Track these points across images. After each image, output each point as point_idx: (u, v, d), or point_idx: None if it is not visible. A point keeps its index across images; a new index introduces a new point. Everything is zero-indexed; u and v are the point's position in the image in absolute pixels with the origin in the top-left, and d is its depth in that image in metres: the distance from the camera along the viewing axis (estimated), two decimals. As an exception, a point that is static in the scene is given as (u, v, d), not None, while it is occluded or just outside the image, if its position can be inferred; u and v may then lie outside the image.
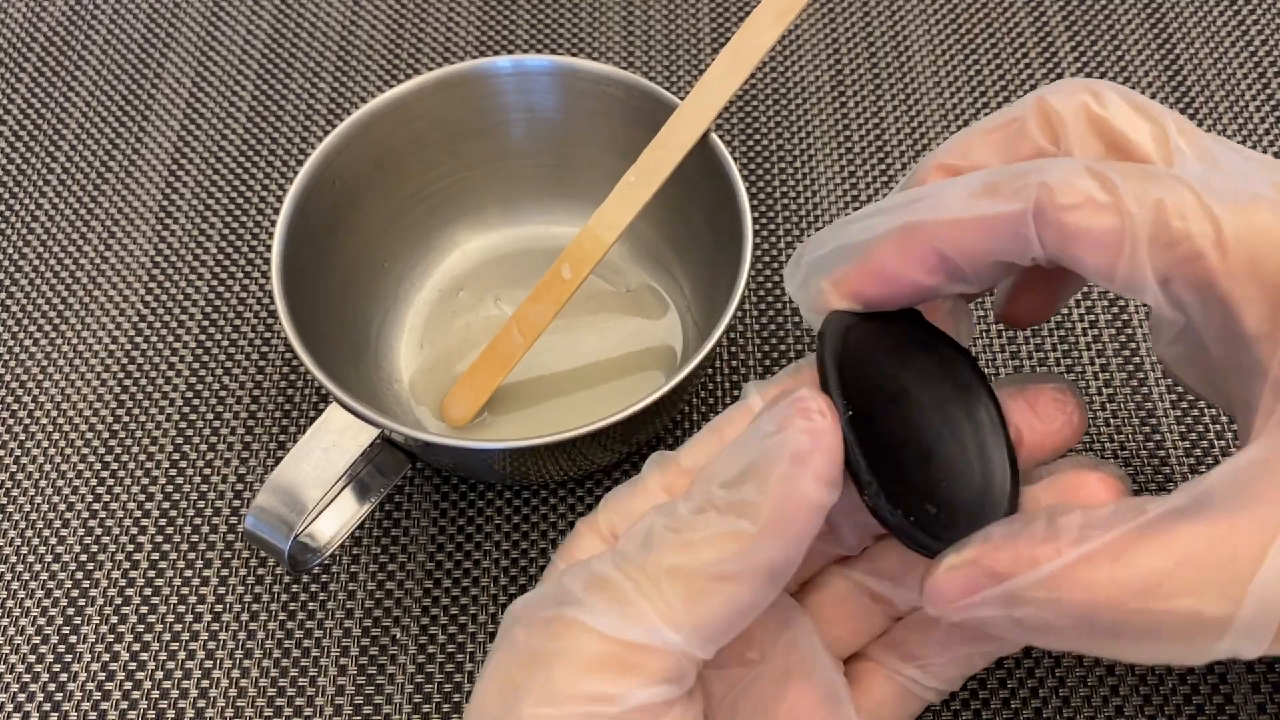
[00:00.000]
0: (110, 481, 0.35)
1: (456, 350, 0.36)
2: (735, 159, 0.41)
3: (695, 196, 0.33)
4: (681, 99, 0.32)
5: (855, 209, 0.40)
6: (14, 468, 0.35)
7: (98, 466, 0.35)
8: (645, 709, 0.20)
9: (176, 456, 0.35)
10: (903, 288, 0.22)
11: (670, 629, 0.20)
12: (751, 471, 0.20)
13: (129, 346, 0.37)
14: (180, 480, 0.35)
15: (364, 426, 0.28)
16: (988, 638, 0.24)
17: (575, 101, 0.35)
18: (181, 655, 0.32)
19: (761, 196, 0.40)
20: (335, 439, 0.28)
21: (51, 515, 0.34)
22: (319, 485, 0.28)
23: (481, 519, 0.34)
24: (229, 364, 0.37)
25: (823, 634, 0.25)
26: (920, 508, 0.21)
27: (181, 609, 0.33)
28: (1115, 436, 0.35)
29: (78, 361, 0.37)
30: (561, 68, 0.34)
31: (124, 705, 0.31)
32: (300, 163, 0.41)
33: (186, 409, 0.36)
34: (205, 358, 0.37)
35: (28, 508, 0.34)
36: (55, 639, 0.32)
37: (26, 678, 0.32)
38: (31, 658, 0.32)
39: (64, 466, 0.35)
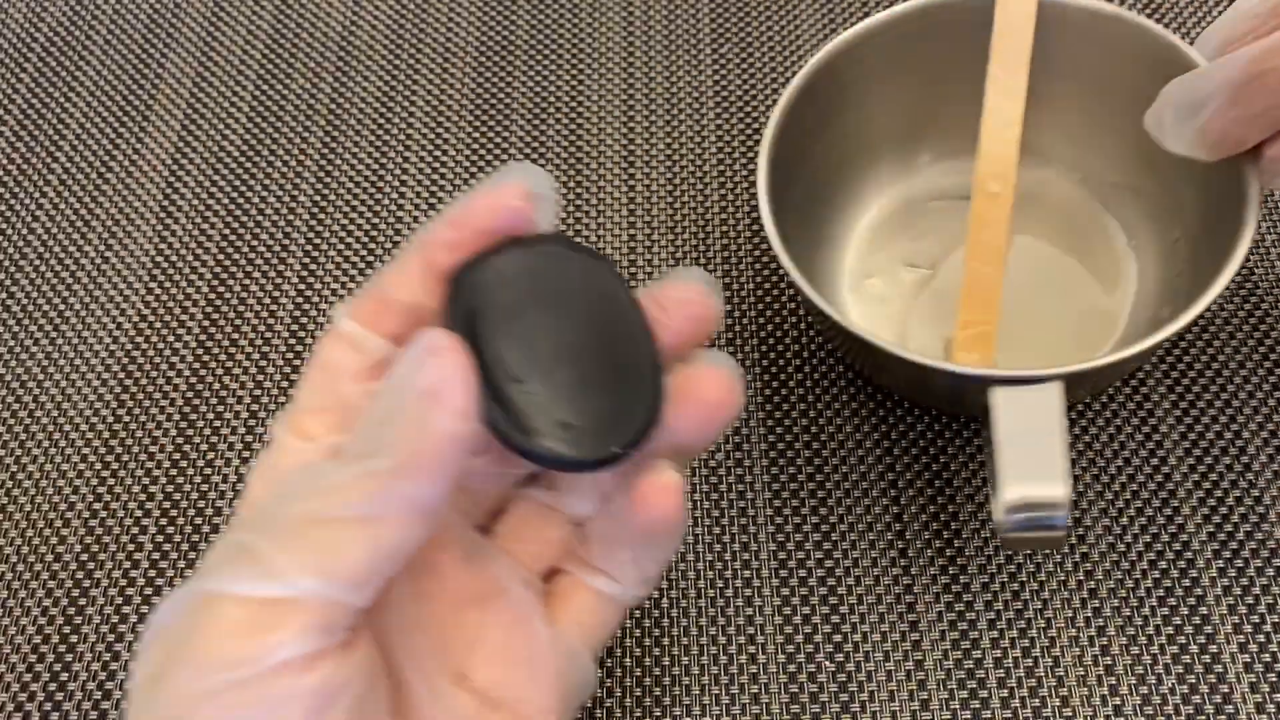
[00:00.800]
0: (110, 481, 0.35)
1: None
2: (737, 158, 0.41)
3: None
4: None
5: (855, 209, 0.40)
6: (14, 468, 0.35)
7: (98, 466, 0.35)
8: (291, 664, 0.19)
9: (177, 456, 0.35)
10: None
11: (310, 578, 0.20)
12: (386, 415, 0.20)
13: (129, 346, 0.37)
14: (180, 480, 0.35)
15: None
16: (639, 542, 0.24)
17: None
18: (182, 655, 0.32)
19: (761, 196, 0.40)
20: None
21: (52, 515, 0.34)
22: (1054, 434, 0.27)
23: (481, 519, 0.34)
24: (229, 364, 0.37)
25: (517, 555, 0.25)
26: (553, 427, 0.22)
27: (182, 609, 0.33)
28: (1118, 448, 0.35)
29: (78, 361, 0.37)
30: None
31: (124, 705, 0.31)
32: (301, 163, 0.41)
33: (186, 409, 0.36)
34: (205, 358, 0.37)
35: (28, 508, 0.34)
36: (55, 639, 0.32)
37: (27, 677, 0.32)
38: (32, 657, 0.32)
39: (64, 466, 0.35)
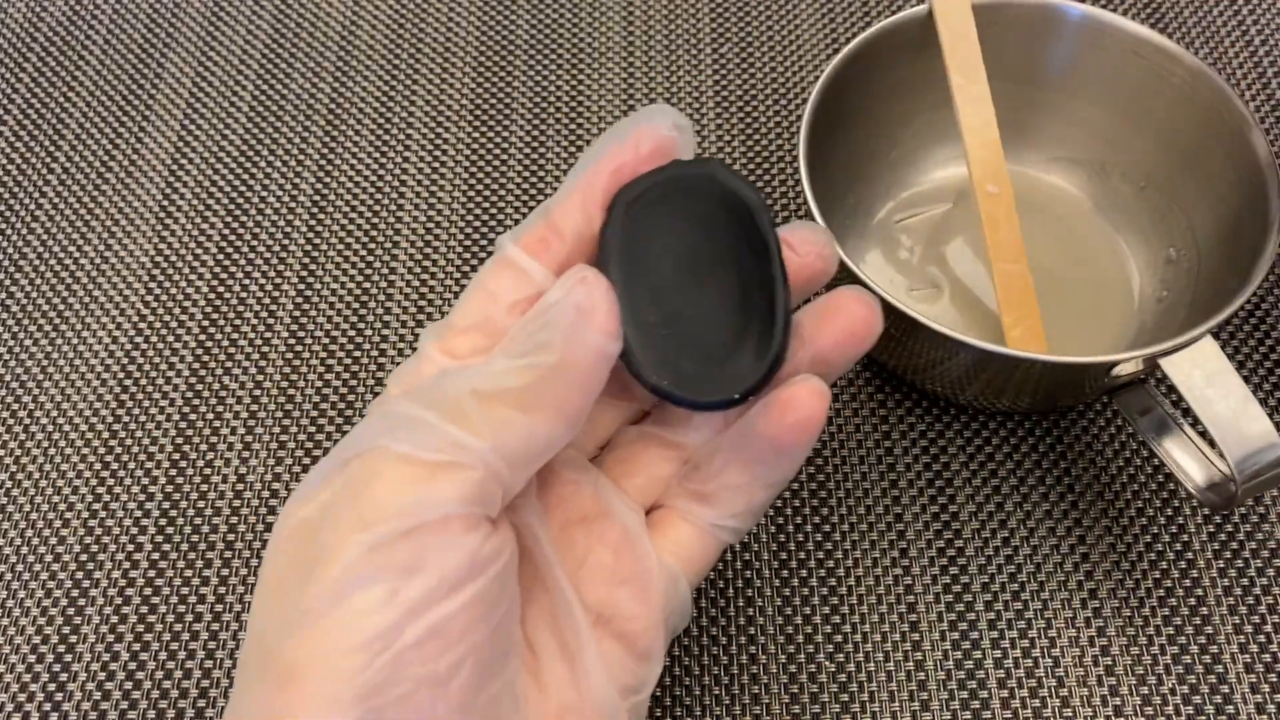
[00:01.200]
0: (110, 481, 0.35)
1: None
2: (738, 158, 0.41)
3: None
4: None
5: (855, 209, 0.40)
6: (14, 468, 0.35)
7: (98, 466, 0.35)
8: (448, 523, 0.20)
9: (176, 456, 0.35)
10: None
11: (475, 438, 0.21)
12: (543, 324, 0.22)
13: (129, 346, 0.37)
14: (180, 480, 0.35)
15: None
16: (761, 463, 0.25)
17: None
18: (181, 655, 0.32)
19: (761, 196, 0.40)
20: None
21: (51, 515, 0.34)
22: (1235, 384, 0.28)
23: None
24: (229, 364, 0.37)
25: (623, 485, 0.26)
26: (681, 367, 0.23)
27: (181, 609, 0.33)
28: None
29: (78, 361, 0.37)
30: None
31: (124, 705, 0.31)
32: (301, 163, 0.41)
33: (186, 409, 0.36)
34: (205, 358, 0.37)
35: (28, 508, 0.34)
36: (55, 639, 0.32)
37: (26, 678, 0.32)
38: (31, 658, 0.32)
39: (64, 466, 0.35)
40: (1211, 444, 0.29)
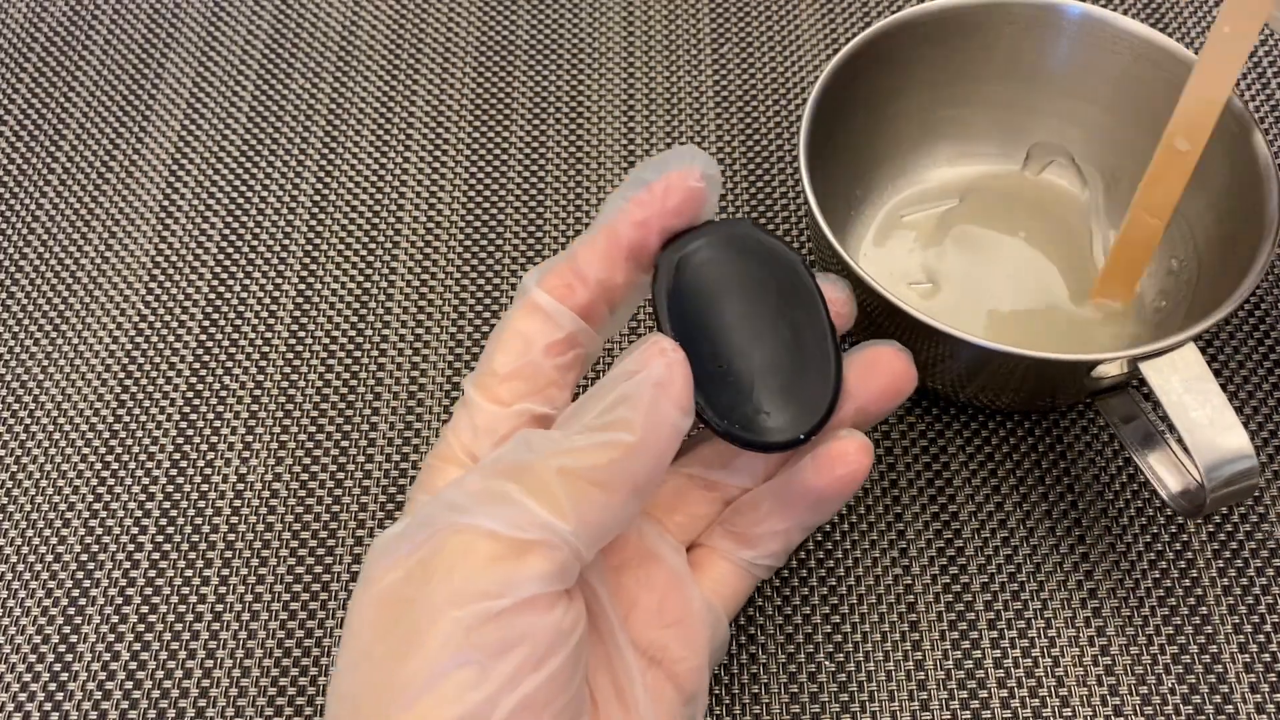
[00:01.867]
0: (110, 481, 0.35)
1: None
2: (738, 158, 0.41)
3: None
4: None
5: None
6: (14, 468, 0.35)
7: (98, 466, 0.35)
8: (535, 602, 0.21)
9: (177, 456, 0.35)
10: None
11: (560, 520, 0.22)
12: (622, 399, 0.23)
13: (129, 346, 0.37)
14: (180, 480, 0.35)
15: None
16: (804, 511, 0.27)
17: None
18: (182, 655, 0.32)
19: (760, 196, 0.40)
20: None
21: (52, 515, 0.34)
22: (1213, 391, 0.28)
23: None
24: (229, 364, 0.37)
25: (665, 524, 0.28)
26: (746, 412, 0.24)
27: (182, 609, 0.33)
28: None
29: (78, 361, 0.37)
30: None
31: (124, 705, 0.31)
32: (301, 163, 0.41)
33: (186, 409, 0.36)
34: (205, 358, 0.37)
35: (28, 508, 0.34)
36: (55, 639, 0.32)
37: (27, 677, 0.32)
38: (32, 657, 0.32)
39: (64, 466, 0.35)
40: (1185, 450, 0.28)
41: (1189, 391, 0.28)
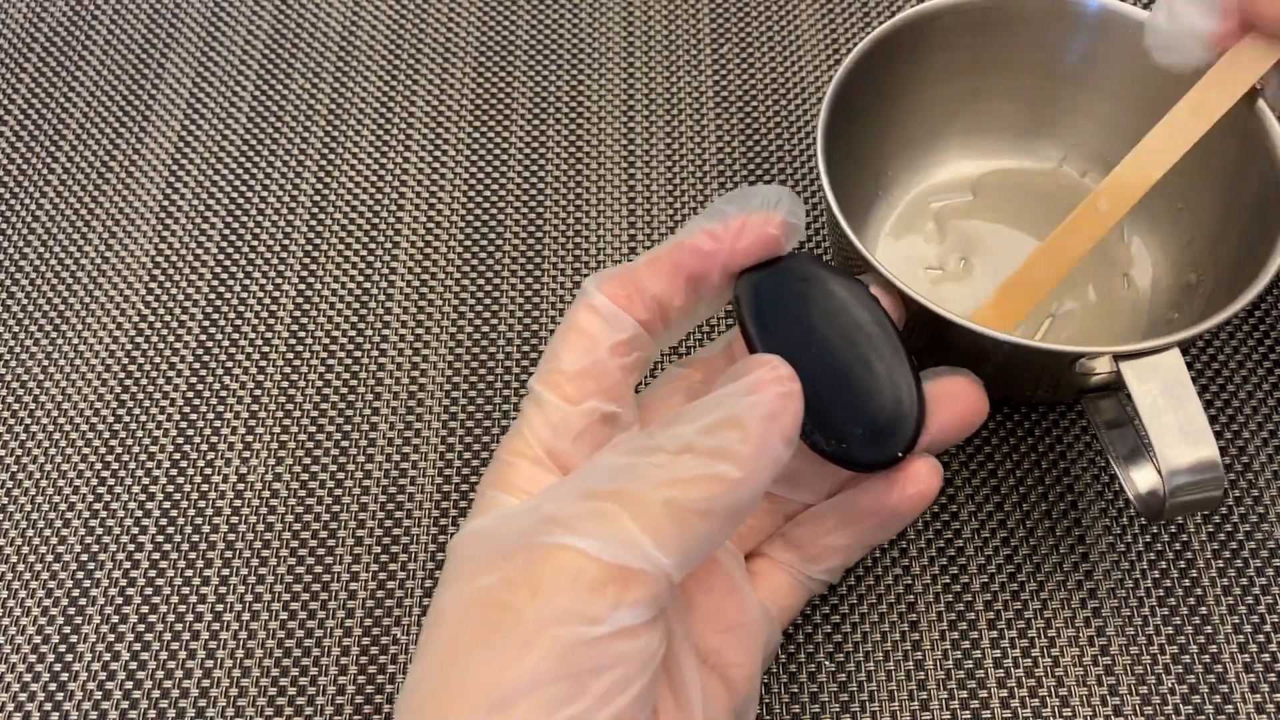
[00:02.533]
0: (110, 481, 0.35)
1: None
2: (737, 158, 0.41)
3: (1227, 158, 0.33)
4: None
5: (855, 209, 0.40)
6: (14, 468, 0.35)
7: (98, 466, 0.35)
8: (628, 630, 0.21)
9: (177, 456, 0.35)
10: None
11: (663, 554, 0.22)
12: (729, 422, 0.23)
13: (129, 346, 0.37)
14: (180, 480, 0.35)
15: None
16: (869, 529, 0.27)
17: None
18: (182, 655, 0.32)
19: (761, 196, 0.40)
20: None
21: (52, 515, 0.34)
22: (1190, 398, 0.28)
23: (481, 519, 0.34)
24: (229, 364, 0.37)
25: None
26: (847, 433, 0.25)
27: (182, 609, 0.33)
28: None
29: (78, 361, 0.37)
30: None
31: (124, 705, 0.31)
32: (301, 163, 0.41)
33: (186, 409, 0.36)
34: (205, 358, 0.37)
35: (28, 508, 0.34)
36: (55, 639, 0.32)
37: (27, 677, 0.32)
38: (32, 657, 0.32)
39: (64, 466, 0.35)
40: (1153, 453, 0.28)
41: (1165, 396, 0.28)
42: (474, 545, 0.23)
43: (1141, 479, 0.31)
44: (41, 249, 0.39)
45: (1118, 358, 0.28)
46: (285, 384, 0.37)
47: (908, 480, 0.26)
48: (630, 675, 0.21)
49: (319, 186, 0.41)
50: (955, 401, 0.27)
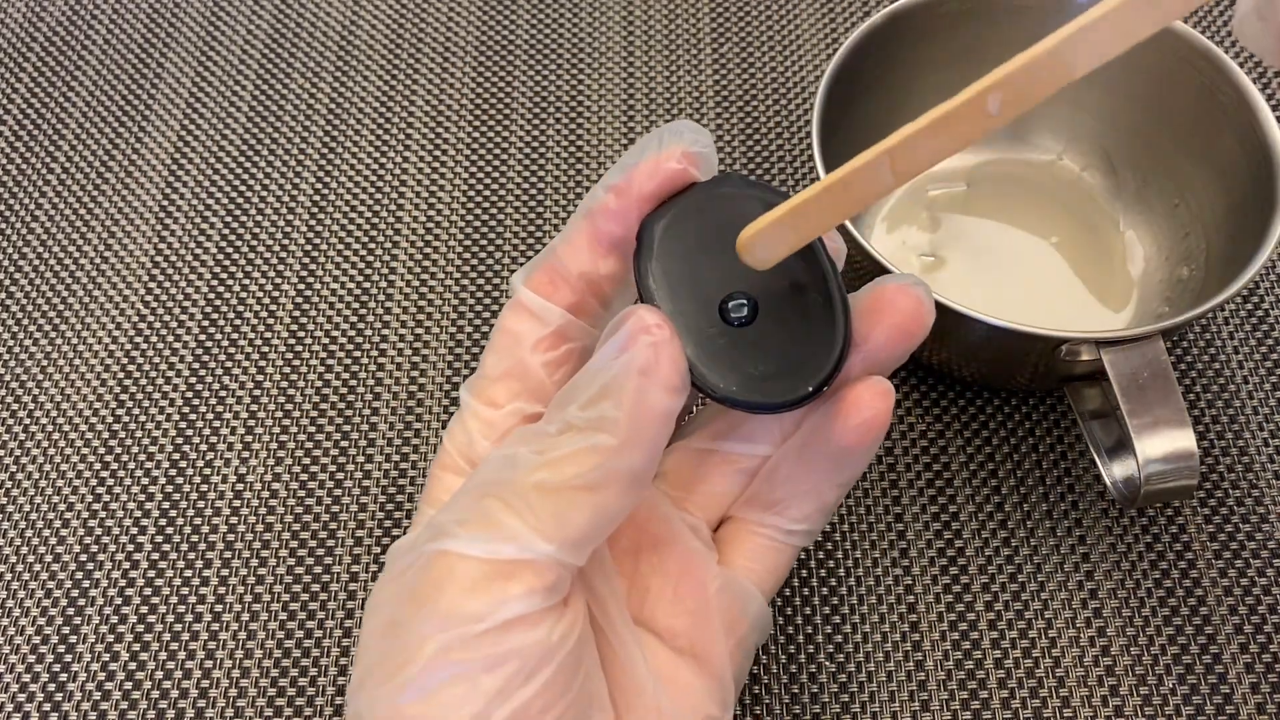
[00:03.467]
0: (110, 481, 0.35)
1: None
2: (738, 158, 0.41)
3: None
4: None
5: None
6: (14, 468, 0.35)
7: (98, 466, 0.35)
8: (519, 621, 0.21)
9: (176, 456, 0.35)
10: None
11: (542, 540, 0.21)
12: (605, 391, 0.21)
13: (129, 346, 0.37)
14: (180, 480, 0.35)
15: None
16: (830, 469, 0.25)
17: None
18: (181, 655, 0.32)
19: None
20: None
21: (51, 515, 0.34)
22: (1170, 387, 0.28)
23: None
24: (229, 364, 0.37)
25: (683, 505, 0.26)
26: (748, 372, 0.22)
27: (181, 609, 0.33)
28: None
29: (78, 361, 0.37)
30: None
31: (124, 705, 0.31)
32: (301, 163, 0.41)
33: (186, 409, 0.36)
34: (205, 358, 0.37)
35: (28, 508, 0.34)
36: (55, 639, 0.32)
37: (26, 678, 0.32)
38: (31, 658, 0.32)
39: (64, 466, 0.35)
40: (1132, 440, 0.28)
41: (1146, 385, 0.28)
42: (390, 561, 0.23)
43: (1119, 465, 0.31)
44: (41, 249, 0.39)
45: (1100, 344, 0.28)
46: (285, 384, 0.36)
47: (849, 410, 0.23)
48: (529, 667, 0.21)
49: (318, 186, 0.41)
50: (891, 314, 0.23)
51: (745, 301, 0.23)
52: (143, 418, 0.36)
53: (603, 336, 0.23)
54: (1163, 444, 0.28)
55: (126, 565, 0.33)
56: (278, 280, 0.39)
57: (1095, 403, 0.32)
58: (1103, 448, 0.31)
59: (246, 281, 0.39)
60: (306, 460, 0.35)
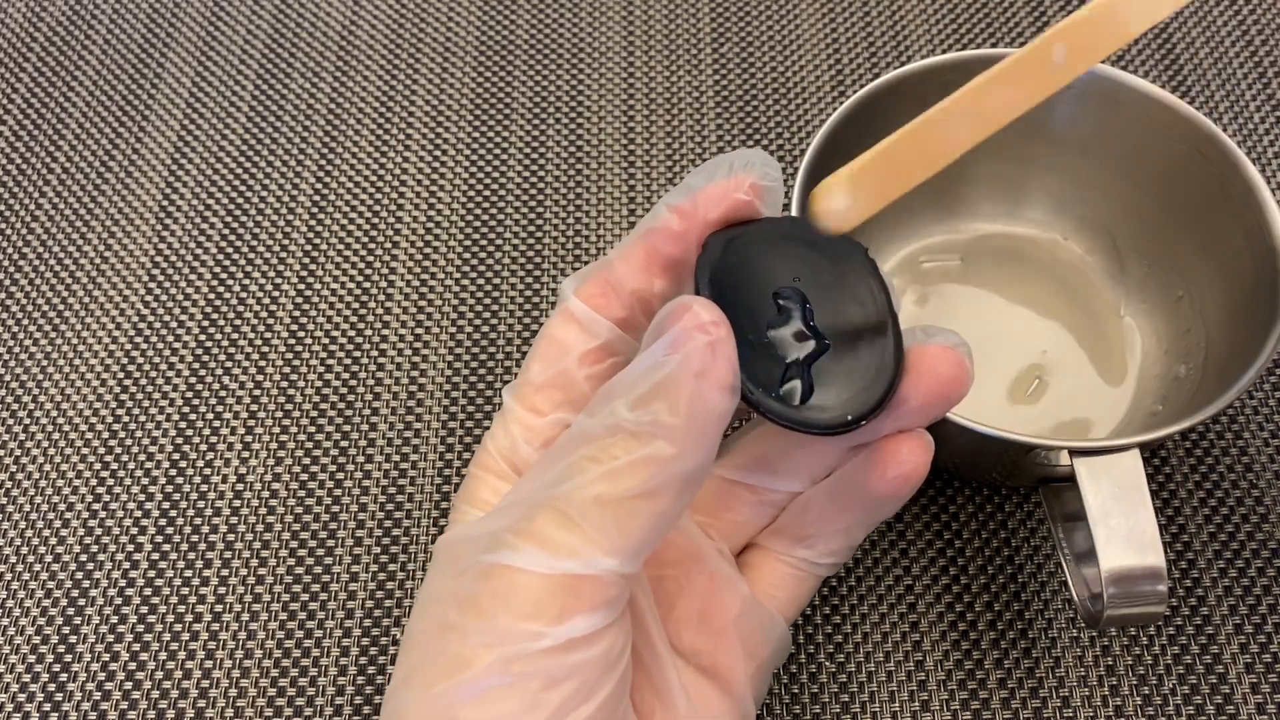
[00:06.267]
0: (110, 481, 0.35)
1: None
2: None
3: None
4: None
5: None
6: (14, 468, 0.35)
7: (98, 466, 0.35)
8: (583, 640, 0.21)
9: (176, 456, 0.35)
10: None
11: (603, 555, 0.21)
12: (658, 391, 0.21)
13: (129, 346, 0.37)
14: (180, 480, 0.35)
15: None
16: (855, 513, 0.25)
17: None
18: (181, 655, 0.32)
19: (761, 196, 0.40)
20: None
21: (51, 515, 0.34)
22: (1142, 502, 0.26)
23: (481, 519, 0.34)
24: (229, 364, 0.37)
25: (708, 532, 0.26)
26: (791, 389, 0.22)
27: (181, 609, 0.33)
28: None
29: (78, 361, 0.37)
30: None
31: (124, 705, 0.31)
32: (301, 163, 0.41)
33: (186, 409, 0.36)
34: (205, 358, 0.37)
35: (28, 508, 0.34)
36: (55, 639, 0.32)
37: (26, 678, 0.32)
38: (31, 658, 0.32)
39: (64, 466, 0.35)
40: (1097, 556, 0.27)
41: (1117, 499, 0.26)
42: (440, 556, 0.23)
43: (1090, 581, 0.29)
44: (41, 248, 0.39)
45: (1074, 453, 0.27)
46: (285, 384, 0.36)
47: (888, 462, 0.23)
48: (590, 684, 0.21)
49: (318, 186, 0.41)
50: (931, 379, 0.23)
51: (800, 318, 0.23)
52: (143, 418, 0.36)
53: (653, 325, 0.22)
54: (1129, 561, 0.26)
55: (126, 565, 0.33)
56: (278, 280, 0.39)
57: (1072, 505, 0.30)
58: (1074, 558, 0.30)
59: (246, 281, 0.39)
60: (306, 460, 0.35)
